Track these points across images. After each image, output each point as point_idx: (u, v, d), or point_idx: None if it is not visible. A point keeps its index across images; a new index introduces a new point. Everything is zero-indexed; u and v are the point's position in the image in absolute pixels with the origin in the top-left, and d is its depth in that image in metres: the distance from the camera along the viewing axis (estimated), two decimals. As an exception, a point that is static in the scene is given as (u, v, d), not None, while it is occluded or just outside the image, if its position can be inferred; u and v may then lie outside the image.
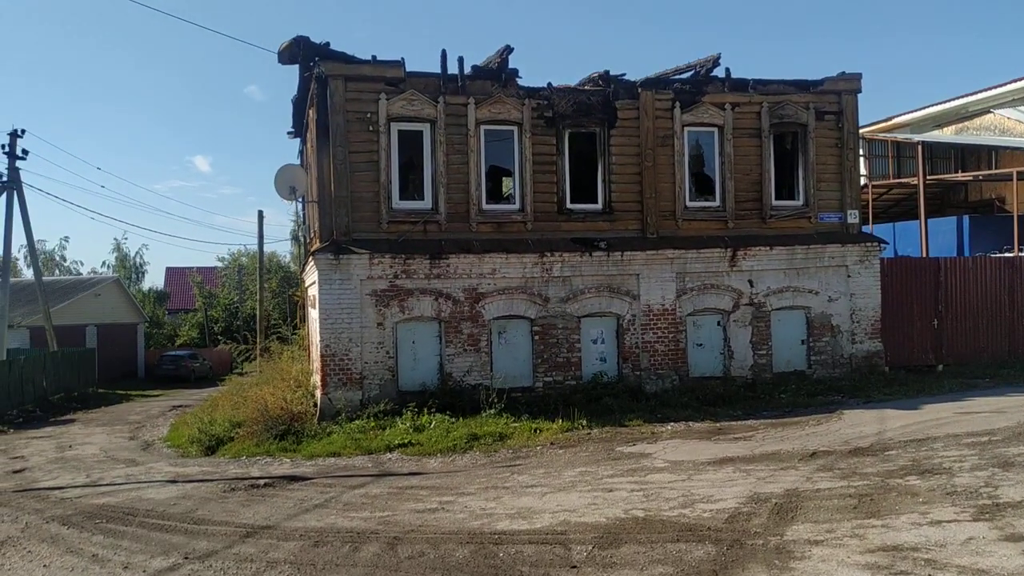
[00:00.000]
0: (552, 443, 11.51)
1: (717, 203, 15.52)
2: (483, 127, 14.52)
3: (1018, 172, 21.05)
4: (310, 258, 14.62)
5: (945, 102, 27.97)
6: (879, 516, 7.04)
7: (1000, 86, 26.51)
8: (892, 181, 25.21)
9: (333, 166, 13.80)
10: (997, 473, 8.29)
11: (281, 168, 15.02)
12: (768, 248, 15.35)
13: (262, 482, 10.12)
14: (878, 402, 13.48)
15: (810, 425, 11.80)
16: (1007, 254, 19.02)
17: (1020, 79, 25.95)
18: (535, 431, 12.21)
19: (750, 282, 15.29)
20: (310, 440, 12.56)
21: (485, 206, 14.48)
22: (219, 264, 51.12)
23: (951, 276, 16.77)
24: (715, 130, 15.54)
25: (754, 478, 8.69)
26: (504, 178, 15.40)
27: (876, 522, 6.87)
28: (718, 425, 12.17)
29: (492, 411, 12.94)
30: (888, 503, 7.43)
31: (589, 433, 12.01)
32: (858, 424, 11.59)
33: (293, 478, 10.33)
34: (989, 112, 25.95)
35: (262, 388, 14.57)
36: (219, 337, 43.59)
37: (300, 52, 13.99)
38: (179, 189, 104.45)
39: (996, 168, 23.32)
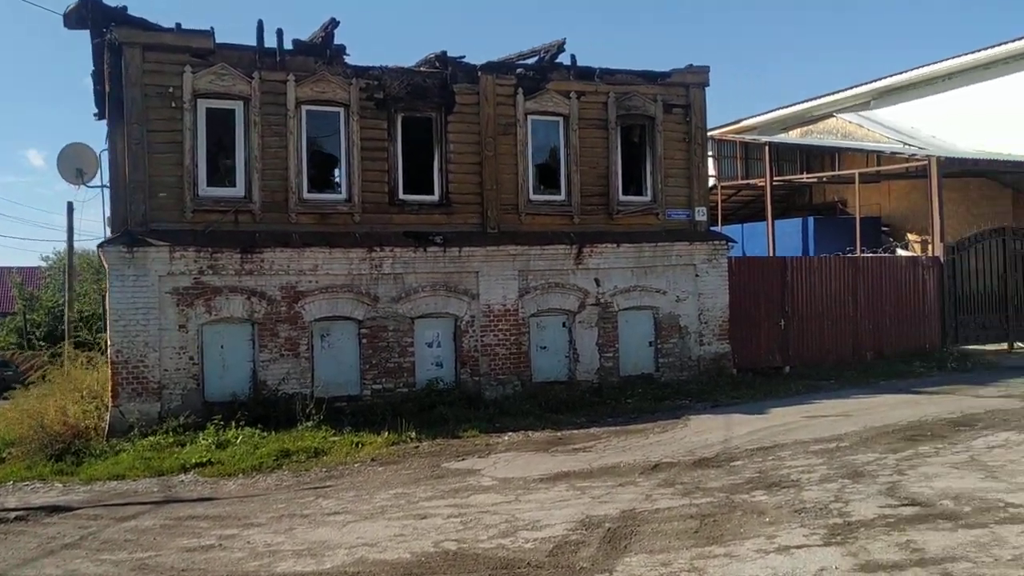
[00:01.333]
0: (373, 459, 10.25)
1: (562, 197, 14.66)
2: (305, 107, 13.11)
3: (859, 174, 21.34)
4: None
5: (791, 106, 28.46)
6: (722, 542, 6.17)
7: (842, 91, 27.13)
8: (741, 182, 25.30)
9: (128, 146, 12.08)
10: (847, 485, 7.63)
11: (66, 148, 13.12)
12: (615, 245, 14.61)
13: (13, 515, 8.42)
14: (726, 406, 12.91)
15: (655, 433, 11.02)
16: (850, 255, 19.09)
17: (860, 85, 26.64)
18: (356, 445, 10.91)
19: (596, 281, 14.50)
20: (93, 461, 10.80)
21: (306, 195, 13.07)
22: (42, 264, 47.07)
23: (797, 276, 16.55)
24: (560, 120, 14.68)
25: (589, 497, 7.72)
26: (330, 165, 14.01)
27: (718, 550, 5.99)
28: (559, 434, 11.23)
29: (310, 423, 11.54)
30: (732, 525, 6.59)
31: (417, 447, 10.82)
32: (704, 431, 10.89)
33: (55, 508, 8.66)
34: (832, 116, 26.48)
35: (43, 400, 12.66)
36: (41, 343, 40.02)
37: (90, 15, 12.19)
38: (10, 185, 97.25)
39: (839, 170, 23.66)
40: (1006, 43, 22.41)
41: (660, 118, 15.28)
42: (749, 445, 9.78)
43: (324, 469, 9.92)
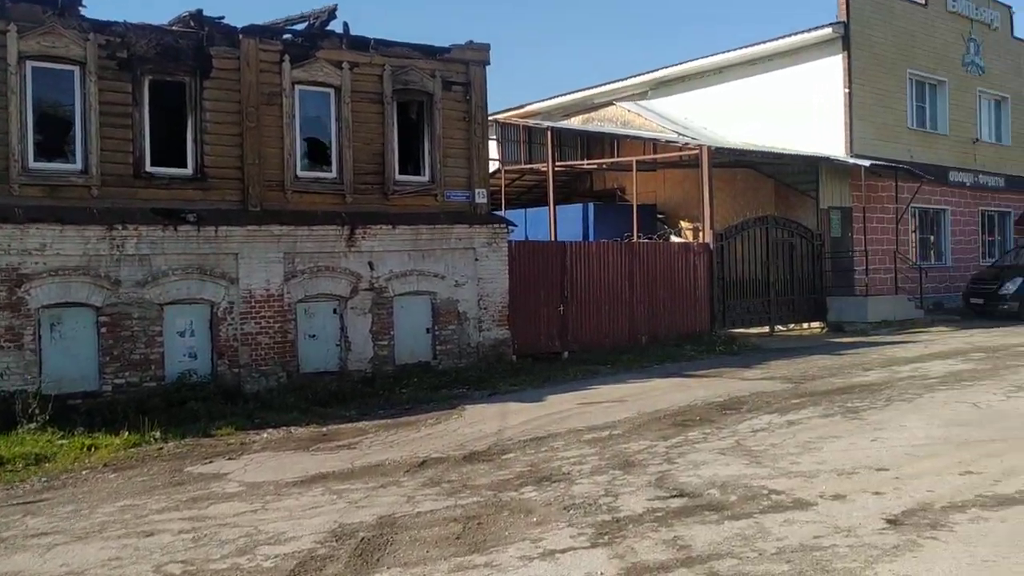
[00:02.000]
0: (106, 465, 8.99)
1: (334, 174, 13.75)
2: (31, 64, 11.39)
3: (637, 162, 21.83)
4: None
5: (573, 92, 28.84)
6: (484, 549, 5.65)
7: (622, 80, 27.76)
8: (524, 166, 25.33)
9: None
10: (617, 477, 7.36)
11: None
12: (391, 227, 13.90)
13: None
14: (503, 394, 12.56)
15: (427, 425, 10.45)
16: (627, 241, 19.44)
17: (639, 75, 27.34)
18: (88, 449, 9.56)
19: (370, 264, 13.72)
20: None
21: (32, 164, 11.39)
22: None
23: (577, 261, 16.55)
24: (331, 91, 13.74)
25: (345, 502, 7.00)
26: (63, 131, 12.33)
27: (479, 559, 5.46)
28: (324, 430, 10.39)
29: (33, 425, 10.05)
30: (497, 528, 6.10)
31: (161, 448, 9.63)
32: (479, 421, 10.45)
33: None
34: (613, 104, 27.06)
35: None
36: None
37: None
38: None
39: (618, 157, 24.17)
40: (767, 42, 23.67)
41: (439, 95, 14.69)
42: (523, 436, 9.41)
43: (44, 479, 8.56)
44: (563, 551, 5.51)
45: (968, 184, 26.65)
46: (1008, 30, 28.49)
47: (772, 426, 9.35)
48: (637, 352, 16.22)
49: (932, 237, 26.36)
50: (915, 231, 25.53)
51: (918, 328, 20.69)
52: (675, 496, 6.72)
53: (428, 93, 14.68)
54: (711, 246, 18.76)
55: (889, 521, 5.84)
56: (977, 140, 27.06)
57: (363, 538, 6.01)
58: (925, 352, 15.77)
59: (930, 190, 24.96)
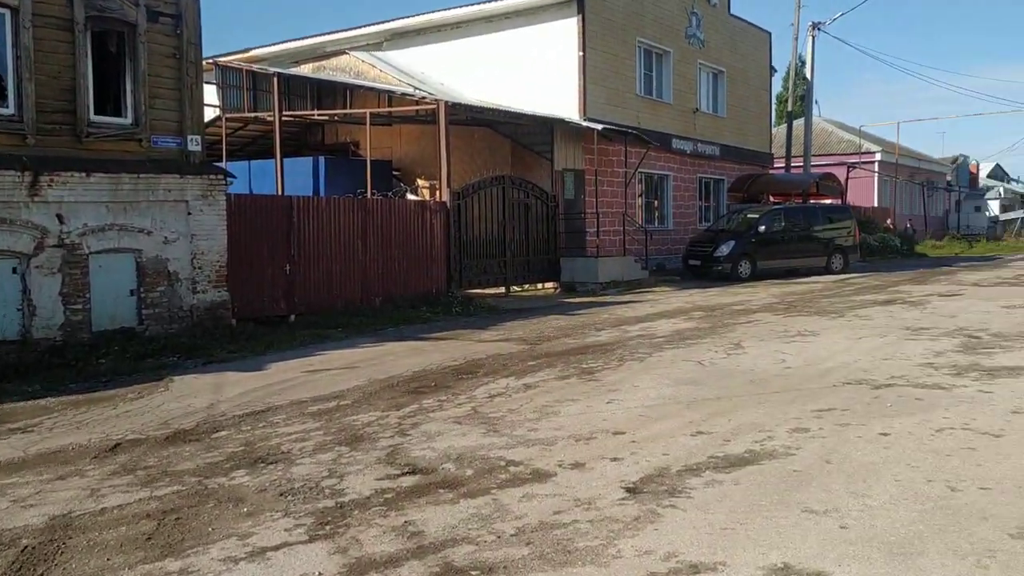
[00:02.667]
0: None
1: (11, 111, 11.75)
2: None
3: (371, 115, 21.00)
4: None
5: (304, 39, 27.36)
6: (181, 551, 4.81)
7: (356, 29, 26.70)
8: (248, 115, 23.61)
9: None
10: (343, 454, 6.71)
11: None
12: (85, 175, 12.16)
13: None
14: (220, 363, 11.46)
15: (127, 400, 9.20)
16: (361, 197, 18.64)
17: (374, 24, 26.41)
18: None
19: (60, 217, 11.95)
20: None
21: None
22: None
23: (305, 217, 15.54)
24: (7, 12, 11.68)
25: (8, 500, 5.82)
26: None
27: (173, 564, 4.62)
28: (-4, 411, 8.86)
29: None
30: (200, 523, 5.26)
31: None
32: (188, 395, 9.36)
33: None
34: (345, 53, 25.94)
35: None
36: None
37: None
38: None
39: (351, 109, 23.18)
40: (506, -1, 23.71)
41: (143, 26, 13.00)
42: (239, 410, 8.48)
43: None
44: (276, 548, 4.79)
45: (688, 152, 28.38)
46: (726, 7, 30.52)
47: (510, 390, 9.10)
48: (371, 314, 15.58)
49: (656, 201, 27.84)
50: (641, 195, 26.80)
51: (644, 288, 21.71)
52: (407, 473, 6.19)
53: (130, 23, 12.95)
54: (448, 205, 18.44)
55: (628, 490, 5.65)
56: (697, 110, 28.83)
57: (25, 547, 4.94)
58: (652, 311, 16.43)
59: (655, 156, 26.28)
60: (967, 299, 17.61)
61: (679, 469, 6.09)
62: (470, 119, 21.85)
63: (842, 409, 7.82)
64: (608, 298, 19.42)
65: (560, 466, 6.26)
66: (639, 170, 25.19)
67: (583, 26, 23.16)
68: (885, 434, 6.91)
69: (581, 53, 23.25)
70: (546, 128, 22.69)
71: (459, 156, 21.91)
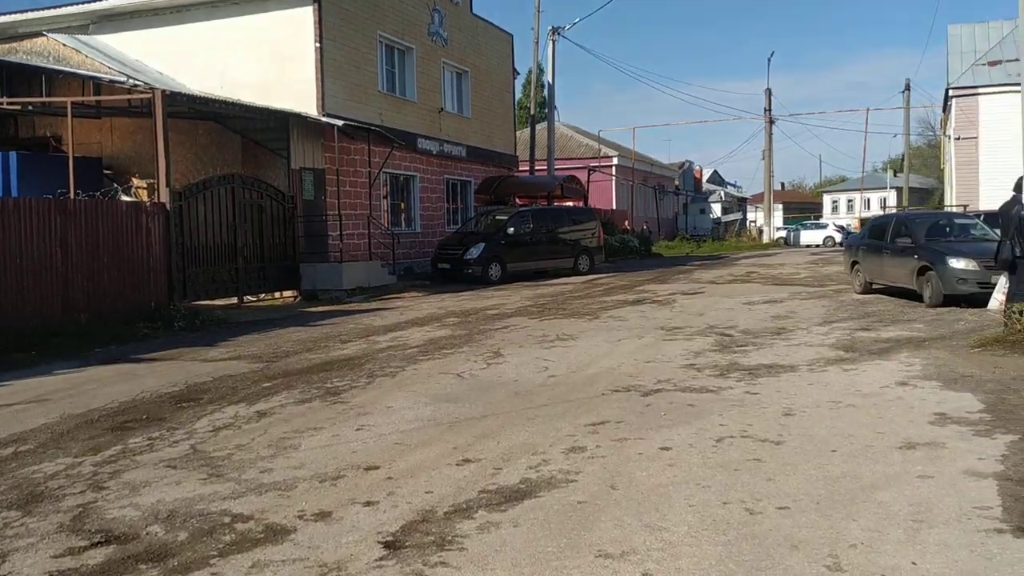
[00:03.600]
0: None
1: None
2: None
3: (74, 104, 18.46)
4: None
5: (-8, 17, 23.91)
6: None
7: (56, 8, 23.68)
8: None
9: None
10: (12, 522, 5.17)
11: None
12: None
13: None
14: None
15: None
16: (62, 198, 16.22)
17: (78, 4, 23.53)
18: None
19: None
20: None
21: None
22: None
23: (-13, 221, 13.12)
24: None
25: None
26: None
27: None
28: None
29: None
30: None
31: None
32: None
33: None
34: (43, 35, 22.84)
35: None
36: None
37: None
38: None
39: (50, 97, 20.38)
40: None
41: None
42: None
43: None
44: None
45: (435, 152, 27.75)
46: (468, 6, 30.25)
47: (239, 421, 7.76)
48: (74, 334, 13.39)
49: (403, 203, 26.97)
50: (387, 197, 25.83)
51: (392, 294, 20.73)
52: (98, 544, 4.79)
53: None
54: (168, 207, 16.45)
55: (387, 545, 4.62)
56: (442, 110, 28.28)
57: None
58: (402, 319, 15.47)
59: (401, 156, 25.41)
60: (709, 296, 18.18)
61: (447, 511, 5.14)
62: (193, 112, 19.87)
63: (616, 421, 7.23)
64: (354, 306, 18.23)
65: (301, 518, 5.11)
66: (384, 170, 24.19)
67: (319, 16, 21.77)
68: (666, 448, 6.36)
69: (318, 44, 21.86)
70: (281, 123, 21.09)
71: (182, 153, 19.91)
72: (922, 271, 15.16)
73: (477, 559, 4.40)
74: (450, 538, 4.70)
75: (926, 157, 77.77)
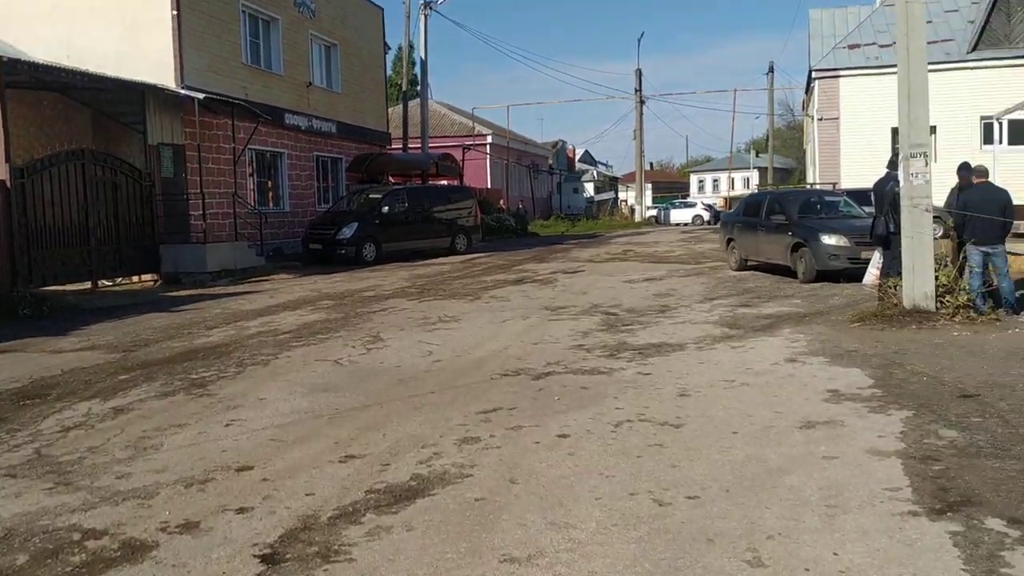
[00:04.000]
0: None
1: None
2: None
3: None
4: None
5: None
6: None
7: None
8: None
9: None
10: None
11: None
12: None
13: None
14: None
15: None
16: None
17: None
18: None
19: None
20: None
21: None
22: None
23: None
24: None
25: None
26: None
27: None
28: None
29: None
30: None
31: None
32: None
33: None
34: None
35: None
36: None
37: None
38: None
39: None
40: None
41: None
42: None
43: None
44: None
45: (303, 128, 26.72)
46: (336, -24, 29.23)
47: (92, 418, 7.01)
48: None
49: (270, 181, 25.88)
50: (253, 174, 24.71)
51: (260, 276, 19.81)
52: (-84, 574, 4.11)
53: None
54: (8, 184, 15.11)
55: (265, 559, 4.11)
56: (311, 84, 27.26)
57: None
58: (273, 303, 14.70)
59: (267, 132, 24.35)
60: (589, 275, 18.08)
61: (331, 515, 4.66)
62: (36, 82, 18.32)
63: (509, 408, 6.87)
64: (220, 289, 17.27)
65: (164, 530, 4.53)
66: (250, 147, 23.10)
67: (175, -19, 20.52)
68: (564, 435, 6.04)
69: (175, 12, 20.57)
70: (136, 96, 19.73)
71: (23, 126, 18.36)
72: (796, 248, 15.45)
73: (368, 570, 3.95)
74: (336, 547, 4.23)
75: (785, 138, 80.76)
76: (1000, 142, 26.95)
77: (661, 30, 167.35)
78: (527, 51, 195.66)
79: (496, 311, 12.76)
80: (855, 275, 14.70)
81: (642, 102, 53.77)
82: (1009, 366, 7.80)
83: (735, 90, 73.37)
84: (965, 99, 29.92)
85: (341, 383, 8.08)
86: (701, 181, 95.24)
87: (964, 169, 11.68)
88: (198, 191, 20.24)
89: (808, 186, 33.87)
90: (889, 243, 11.34)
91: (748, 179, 76.13)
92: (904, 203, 10.38)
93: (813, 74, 32.34)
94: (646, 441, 5.86)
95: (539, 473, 5.28)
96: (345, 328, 11.55)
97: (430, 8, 35.23)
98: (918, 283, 10.28)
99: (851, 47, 31.87)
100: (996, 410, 6.33)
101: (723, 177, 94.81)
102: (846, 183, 27.99)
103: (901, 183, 10.45)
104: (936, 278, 10.35)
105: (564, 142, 68.39)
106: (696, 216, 54.29)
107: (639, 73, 53.46)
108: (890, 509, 4.49)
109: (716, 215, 56.65)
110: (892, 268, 11.32)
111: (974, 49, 30.30)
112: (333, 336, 10.89)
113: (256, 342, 10.62)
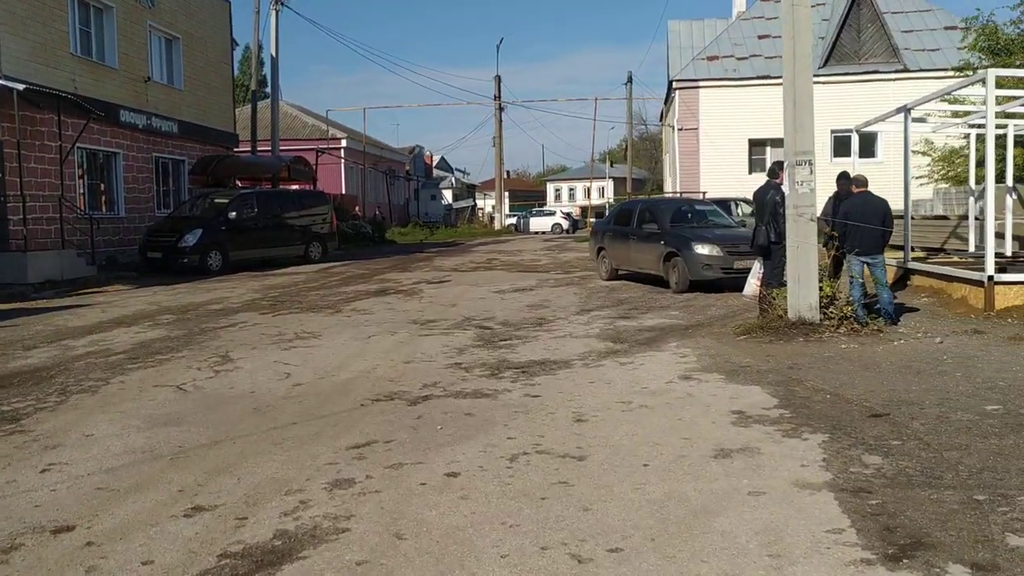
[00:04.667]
0: None
1: None
2: None
3: None
4: None
5: None
6: None
7: None
8: None
9: None
10: None
11: None
12: None
13: None
14: None
15: None
16: None
17: None
18: None
19: None
20: None
21: None
22: None
23: None
24: None
25: None
26: None
27: None
28: None
29: None
30: None
31: None
32: None
33: None
34: None
35: None
36: None
37: None
38: None
39: None
40: None
41: None
42: None
43: None
44: None
45: (141, 127, 24.87)
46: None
47: None
48: None
49: (103, 184, 23.95)
50: (83, 176, 22.79)
51: (92, 288, 18.08)
52: None
53: None
54: None
55: (85, 665, 3.21)
56: (149, 79, 25.40)
57: None
58: (105, 318, 13.26)
59: (100, 130, 22.54)
60: (457, 286, 17.38)
61: (175, 593, 3.77)
62: None
63: (386, 441, 6.05)
64: (44, 303, 15.56)
65: (-52, 625, 3.54)
66: (79, 145, 21.23)
67: (-8, -42, 18.60)
68: (453, 474, 5.29)
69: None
70: (-55, 84, 17.77)
71: None
72: (669, 257, 15.25)
73: (226, 676, 3.11)
74: (182, 641, 3.35)
75: (638, 149, 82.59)
76: (852, 155, 28.01)
77: (518, 41, 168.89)
78: (383, 53, 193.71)
79: (360, 325, 11.86)
80: (729, 285, 14.62)
81: (501, 108, 53.65)
82: (908, 382, 7.58)
83: (596, 99, 74.33)
84: (818, 113, 30.82)
85: (185, 414, 7.03)
86: (558, 190, 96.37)
87: (843, 178, 11.66)
88: (18, 193, 18.36)
89: (667, 195, 34.38)
90: (770, 253, 11.15)
91: (603, 188, 77.36)
92: (789, 212, 10.18)
93: (674, 84, 32.79)
94: (548, 478, 5.18)
95: (429, 524, 4.51)
96: (189, 347, 10.38)
97: (281, 3, 33.78)
98: (803, 294, 10.09)
99: (710, 59, 32.51)
100: (912, 431, 6.00)
101: (579, 186, 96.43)
102: (710, 192, 28.43)
103: (786, 191, 10.25)
104: (820, 289, 10.20)
105: (422, 148, 67.54)
106: (556, 224, 54.55)
107: (498, 80, 53.36)
108: (840, 557, 3.96)
109: (575, 224, 57.24)
110: (774, 278, 11.14)
111: (825, 64, 31.45)
112: (175, 357, 9.73)
113: (84, 365, 9.35)
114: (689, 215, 16.76)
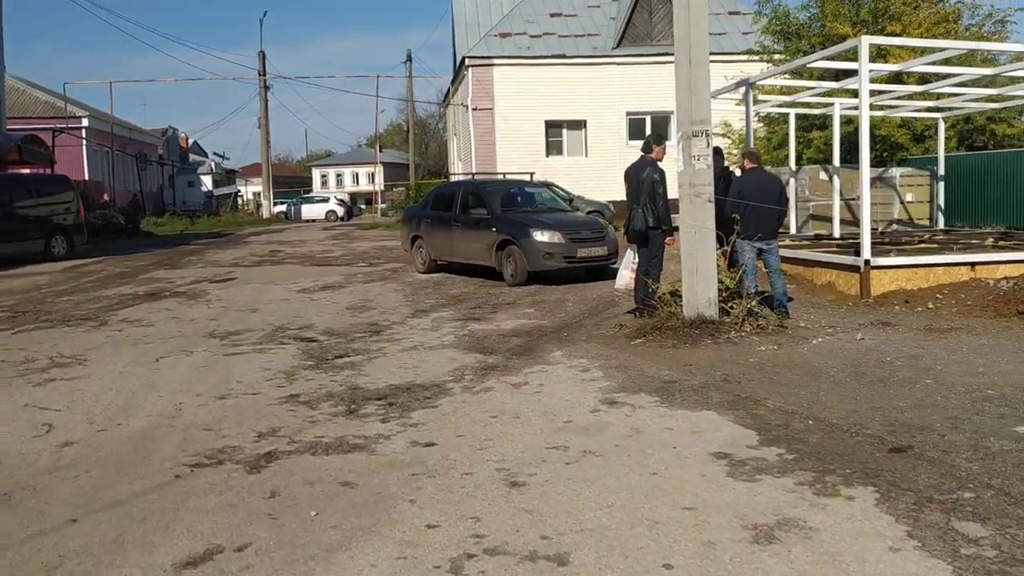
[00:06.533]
0: None
1: None
2: None
3: None
4: None
5: None
6: None
7: None
8: None
9: None
10: None
11: None
12: None
13: None
14: None
15: None
16: None
17: None
18: None
19: None
20: None
21: None
22: None
23: None
24: None
25: None
26: None
27: None
28: None
29: None
30: None
31: None
32: None
33: None
34: None
35: None
36: None
37: None
38: None
39: None
40: None
41: None
42: None
43: None
44: None
45: None
46: None
47: None
48: None
49: None
50: None
51: None
52: None
53: None
54: None
55: None
56: None
57: None
58: None
59: None
60: (247, 284, 14.77)
61: None
62: None
63: (236, 548, 3.82)
64: None
65: None
66: None
67: None
68: (376, 617, 3.24)
69: None
70: None
71: None
72: (502, 246, 13.51)
73: None
74: None
75: (404, 133, 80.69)
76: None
77: (281, 20, 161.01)
78: (130, 25, 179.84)
79: (139, 343, 9.21)
80: (572, 276, 13.13)
81: (267, 87, 49.98)
82: (881, 395, 6.21)
83: (377, 76, 70.51)
84: (614, 94, 30.43)
85: None
86: (324, 176, 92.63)
87: (717, 154, 10.35)
88: None
89: (453, 178, 32.79)
90: (647, 240, 9.64)
91: (373, 174, 74.92)
92: (684, 191, 8.66)
93: (466, 61, 31.11)
94: (538, 612, 3.24)
95: None
96: None
97: (3, -46, 28.92)
98: (701, 288, 8.62)
99: (503, 35, 31.16)
100: (969, 474, 4.54)
101: (347, 171, 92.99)
102: (508, 173, 27.01)
103: (680, 167, 8.71)
104: (720, 281, 8.80)
105: (175, 129, 62.04)
106: (330, 212, 51.64)
107: (263, 55, 49.53)
108: None
109: (350, 211, 54.44)
110: (653, 269, 9.65)
111: (618, 45, 30.93)
112: None
113: None
114: (519, 198, 15.09)
